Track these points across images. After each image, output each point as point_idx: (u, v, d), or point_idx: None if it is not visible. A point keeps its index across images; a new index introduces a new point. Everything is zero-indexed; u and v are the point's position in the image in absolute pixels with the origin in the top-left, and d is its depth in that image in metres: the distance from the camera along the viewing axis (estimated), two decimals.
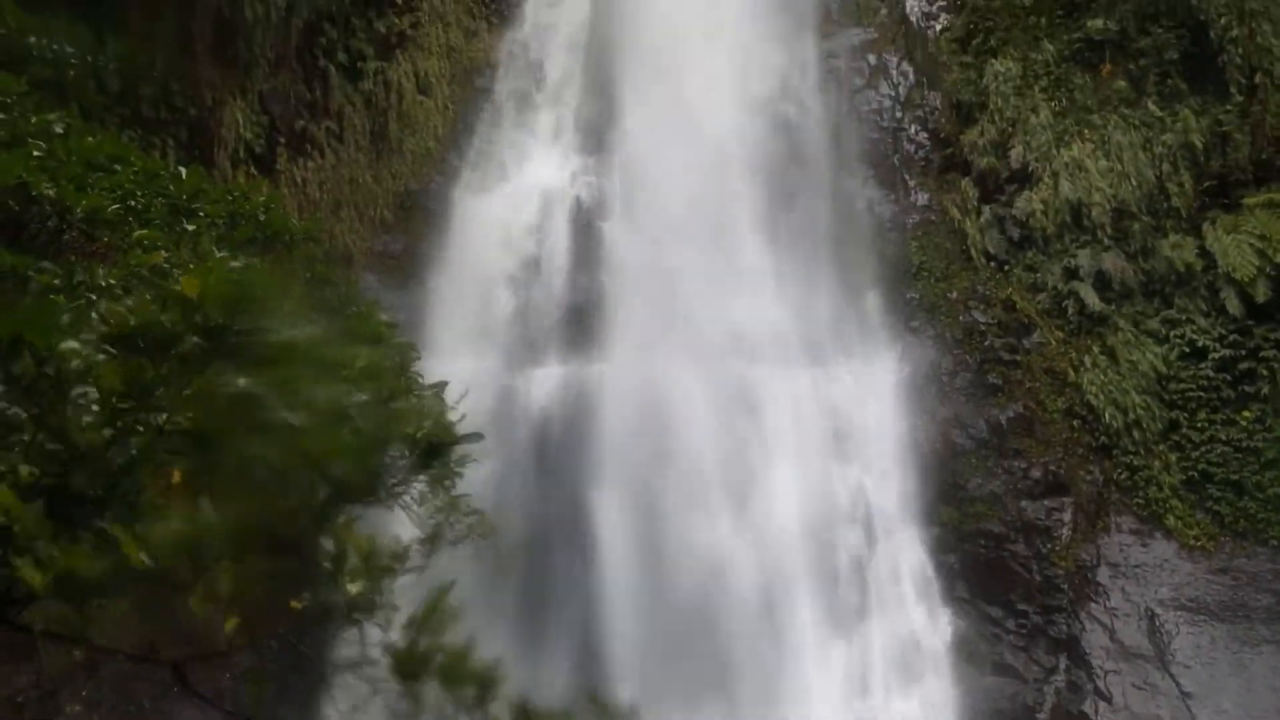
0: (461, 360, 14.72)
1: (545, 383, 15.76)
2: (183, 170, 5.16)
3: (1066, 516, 15.63)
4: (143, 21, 13.05)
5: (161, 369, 2.42)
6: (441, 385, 5.12)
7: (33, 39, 5.52)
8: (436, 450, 3.53)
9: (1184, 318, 16.36)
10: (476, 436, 3.45)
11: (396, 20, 18.62)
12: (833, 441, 15.79)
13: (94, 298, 4.46)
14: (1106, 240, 16.84)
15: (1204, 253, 16.29)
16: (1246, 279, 15.67)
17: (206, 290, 2.47)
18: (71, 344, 2.40)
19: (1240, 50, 16.74)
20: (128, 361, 2.42)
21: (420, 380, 5.08)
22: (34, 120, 5.16)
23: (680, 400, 14.88)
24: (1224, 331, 16.13)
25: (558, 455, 15.02)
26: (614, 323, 16.02)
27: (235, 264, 4.97)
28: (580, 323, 16.46)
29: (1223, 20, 16.93)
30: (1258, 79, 16.60)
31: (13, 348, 2.34)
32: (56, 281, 4.20)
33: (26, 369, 2.37)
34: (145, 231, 5.15)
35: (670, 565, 13.73)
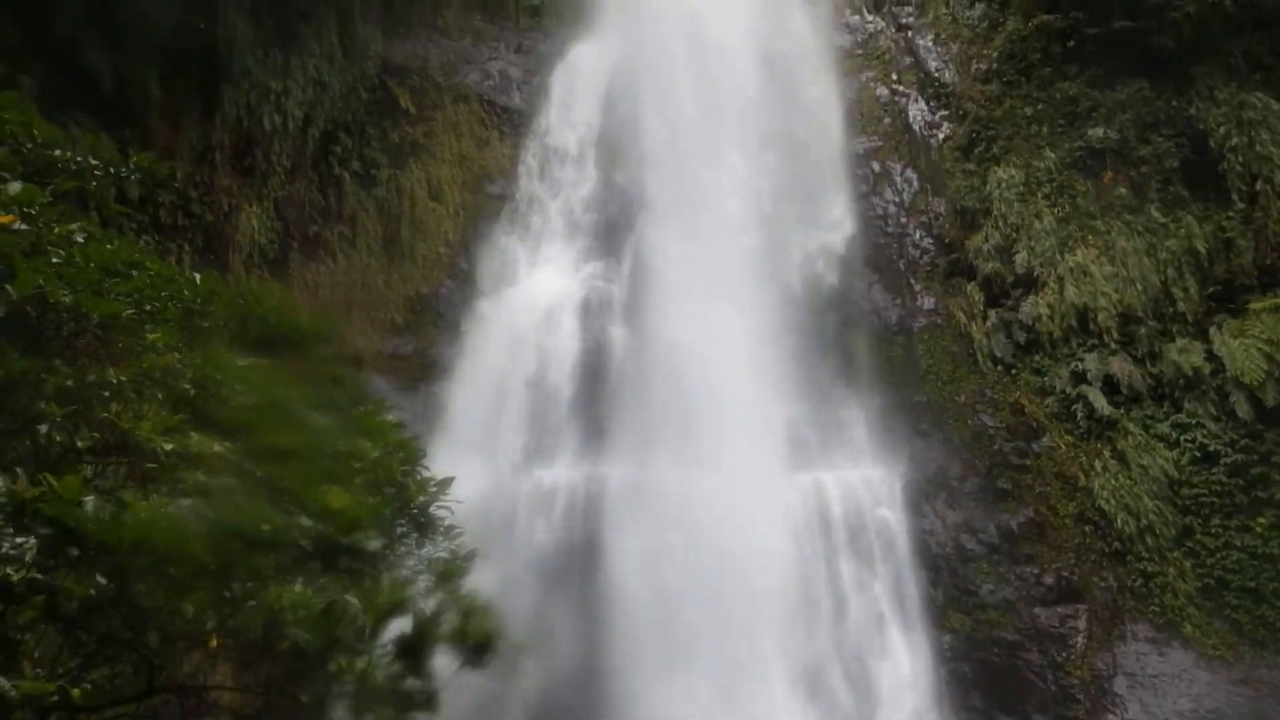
0: (470, 462, 14.68)
1: (552, 485, 15.70)
2: (196, 276, 5.24)
3: (1081, 624, 15.31)
4: (166, 133, 13.45)
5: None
6: (448, 481, 5.11)
7: (58, 152, 5.67)
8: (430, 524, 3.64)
9: (1194, 422, 16.27)
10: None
11: (410, 130, 19.13)
12: (840, 546, 15.60)
13: (106, 395, 4.51)
14: (1113, 344, 16.88)
15: (1212, 357, 16.29)
16: (1255, 383, 15.63)
17: (345, 509, 2.70)
18: None
19: (1240, 158, 17.01)
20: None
21: (428, 476, 5.08)
22: (56, 230, 5.27)
23: (687, 504, 14.76)
24: (1235, 436, 16.02)
25: (564, 559, 14.88)
26: (622, 424, 16.03)
27: (244, 363, 5.02)
28: (589, 424, 16.47)
29: (1222, 129, 17.25)
30: (1259, 186, 16.83)
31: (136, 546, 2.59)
32: (70, 383, 4.24)
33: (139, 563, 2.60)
34: (158, 334, 5.21)
35: (683, 655, 13.51)
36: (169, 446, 4.01)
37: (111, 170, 6.02)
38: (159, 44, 14.82)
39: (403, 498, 4.51)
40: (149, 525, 2.84)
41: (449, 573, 3.93)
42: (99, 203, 6.56)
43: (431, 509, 4.68)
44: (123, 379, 4.60)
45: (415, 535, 4.58)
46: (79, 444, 4.26)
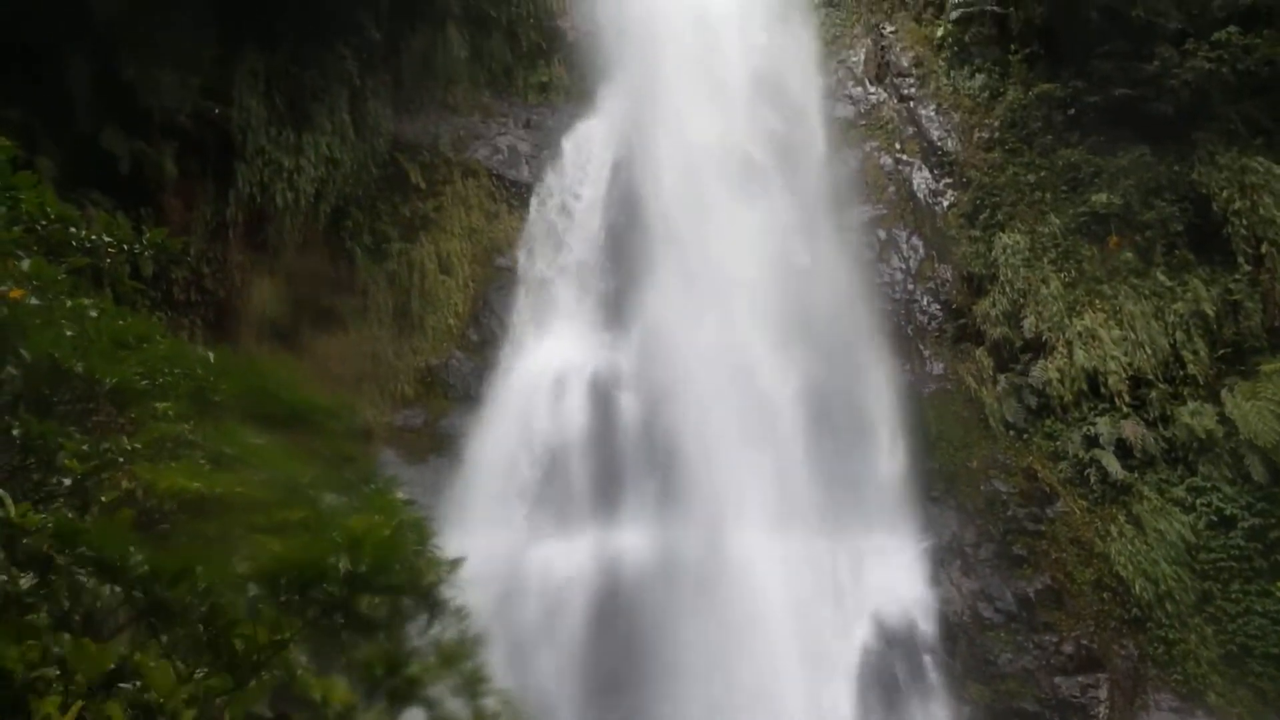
0: (480, 535, 14.60)
1: (563, 555, 15.59)
2: (210, 353, 5.29)
3: (1103, 694, 15.01)
4: (181, 210, 13.68)
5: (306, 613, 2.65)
6: (459, 561, 5.07)
7: (72, 229, 5.77)
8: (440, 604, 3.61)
9: (1209, 485, 16.12)
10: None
11: (420, 204, 19.41)
12: (854, 614, 15.41)
13: (121, 460, 4.52)
14: (1125, 408, 16.82)
15: (1224, 419, 16.20)
16: (1270, 446, 15.53)
17: (366, 535, 2.71)
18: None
19: (1244, 222, 17.12)
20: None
21: (438, 554, 5.04)
22: (68, 304, 5.33)
23: (702, 573, 14.65)
24: (1251, 499, 15.86)
25: (577, 628, 14.73)
26: (635, 494, 16.00)
27: (258, 440, 5.03)
28: (600, 494, 16.40)
29: (1224, 193, 17.39)
30: (1264, 249, 16.90)
31: (179, 577, 2.61)
32: (85, 448, 4.27)
33: (181, 596, 2.59)
34: (169, 404, 5.24)
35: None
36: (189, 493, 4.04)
37: (125, 247, 6.10)
38: (175, 127, 15.16)
39: (413, 577, 4.47)
40: (190, 559, 2.86)
41: (456, 655, 3.88)
42: (113, 279, 6.65)
43: (441, 589, 4.64)
44: (138, 445, 4.63)
45: (425, 615, 4.53)
46: (102, 499, 4.28)
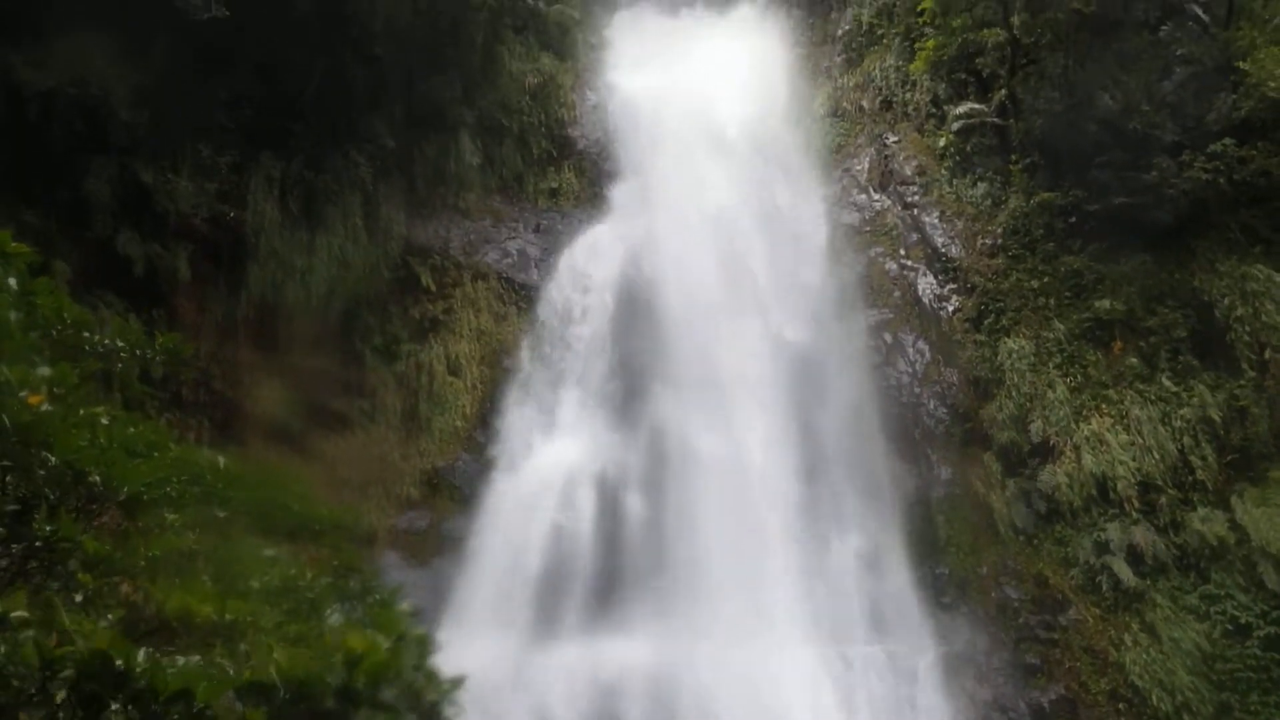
0: (482, 638, 14.41)
1: (565, 661, 15.33)
2: (221, 459, 5.32)
3: None
4: (193, 311, 13.86)
5: None
6: (460, 680, 5.00)
7: (86, 334, 5.85)
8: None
9: (1223, 593, 15.86)
10: None
11: (431, 306, 19.63)
12: None
13: (116, 580, 4.51)
14: (1135, 513, 16.67)
15: (1235, 526, 16.03)
16: None
17: (365, 652, 2.74)
18: None
19: (1247, 328, 17.20)
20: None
21: (437, 674, 4.98)
22: (82, 412, 5.39)
23: (707, 684, 14.38)
24: (1266, 607, 15.57)
25: None
26: (640, 599, 15.81)
27: (269, 552, 5.02)
28: (605, 600, 16.22)
29: (1226, 300, 17.51)
30: (1268, 355, 16.94)
31: (177, 696, 2.64)
32: (109, 548, 4.28)
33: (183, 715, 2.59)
34: (176, 515, 5.26)
35: None
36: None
37: (137, 351, 6.19)
38: (190, 229, 15.47)
39: (412, 694, 4.42)
40: (191, 677, 2.84)
41: None
42: (123, 383, 6.72)
43: (442, 708, 4.57)
44: (152, 555, 4.64)
45: None
46: (110, 616, 4.26)
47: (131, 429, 5.57)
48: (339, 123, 18.81)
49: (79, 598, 3.99)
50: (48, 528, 3.97)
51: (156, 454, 5.71)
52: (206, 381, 14.42)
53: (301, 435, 16.32)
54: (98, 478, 4.81)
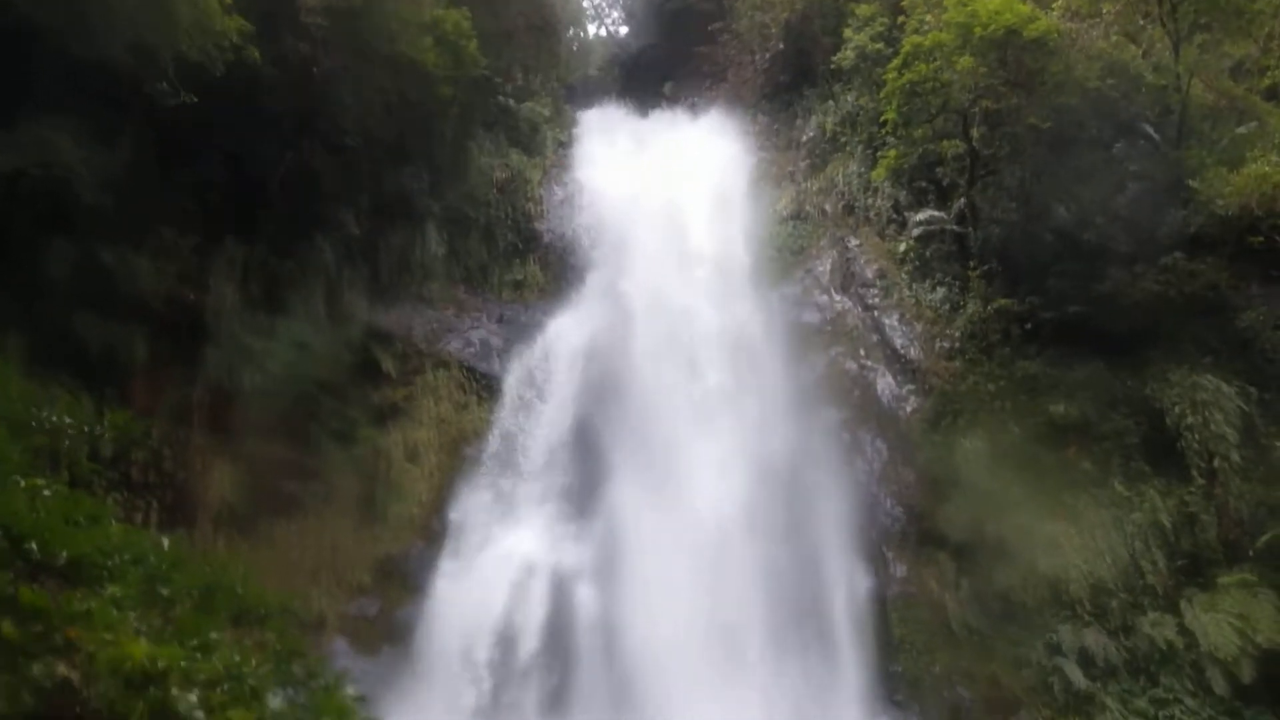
0: None
1: None
2: (165, 540, 5.23)
3: None
4: (147, 391, 13.72)
5: None
6: None
7: (34, 409, 5.80)
8: None
9: (1171, 697, 15.86)
10: None
11: (391, 393, 19.55)
12: None
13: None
14: (1087, 616, 16.71)
15: (1184, 630, 16.12)
16: (1229, 658, 15.44)
17: None
18: None
19: (1197, 436, 17.51)
20: None
21: None
22: (23, 483, 5.31)
23: None
24: (1214, 712, 15.59)
25: None
26: (590, 693, 15.61)
27: (213, 635, 4.91)
28: (554, 692, 15.99)
29: (1177, 409, 17.85)
30: (1216, 464, 17.23)
31: None
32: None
33: None
34: (117, 588, 5.14)
35: None
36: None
37: (86, 429, 6.11)
38: (149, 310, 15.38)
39: None
40: None
41: None
42: (70, 460, 6.62)
43: None
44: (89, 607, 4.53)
45: None
46: (47, 685, 4.14)
47: (73, 502, 5.47)
48: (304, 210, 18.93)
49: None
50: None
51: (96, 528, 5.61)
52: (157, 463, 14.19)
53: (253, 519, 16.05)
54: (34, 544, 4.73)
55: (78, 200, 14.06)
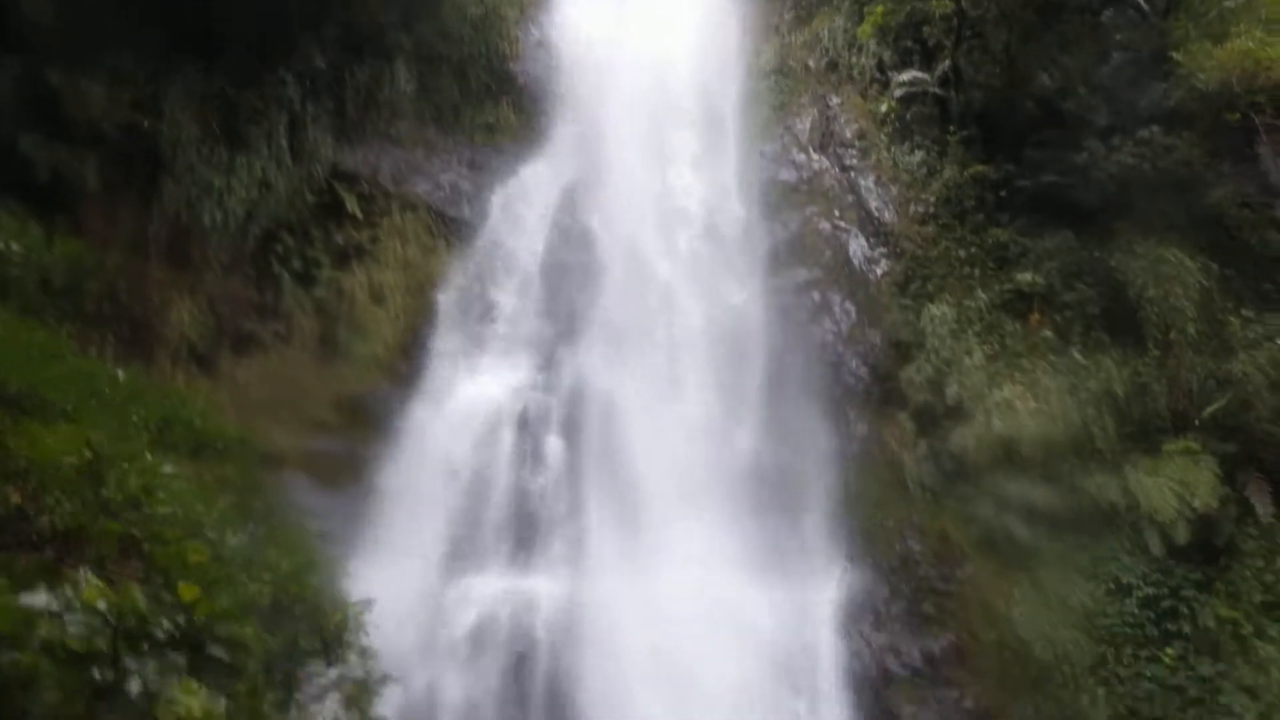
0: (395, 567, 14.35)
1: (480, 594, 15.40)
2: (120, 373, 5.13)
3: None
4: (101, 222, 13.32)
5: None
6: (368, 602, 4.96)
7: None
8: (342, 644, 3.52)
9: (1110, 555, 16.60)
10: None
11: (355, 234, 19.17)
12: (769, 665, 15.45)
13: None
14: (1036, 476, 17.23)
15: (1127, 493, 16.69)
16: (1167, 521, 16.07)
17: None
18: None
19: (1156, 309, 17.76)
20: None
21: (347, 594, 4.92)
22: None
23: (617, 618, 14.61)
24: (1147, 570, 16.35)
25: (492, 670, 14.52)
26: (557, 536, 16.01)
27: (168, 469, 4.87)
28: (522, 535, 16.32)
29: (1139, 281, 18.02)
30: (1172, 335, 17.53)
31: None
32: None
33: None
34: (72, 425, 5.06)
35: None
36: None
37: (33, 256, 5.92)
38: (101, 136, 14.79)
39: (314, 616, 4.35)
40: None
41: (358, 696, 3.78)
42: (19, 288, 6.44)
43: (347, 628, 4.51)
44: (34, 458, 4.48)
45: (324, 655, 4.37)
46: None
47: (27, 331, 5.33)
48: (269, 39, 18.07)
49: None
50: None
51: (53, 362, 5.49)
52: (113, 295, 13.89)
53: (212, 356, 15.91)
54: None
55: (21, 14, 13.32)
